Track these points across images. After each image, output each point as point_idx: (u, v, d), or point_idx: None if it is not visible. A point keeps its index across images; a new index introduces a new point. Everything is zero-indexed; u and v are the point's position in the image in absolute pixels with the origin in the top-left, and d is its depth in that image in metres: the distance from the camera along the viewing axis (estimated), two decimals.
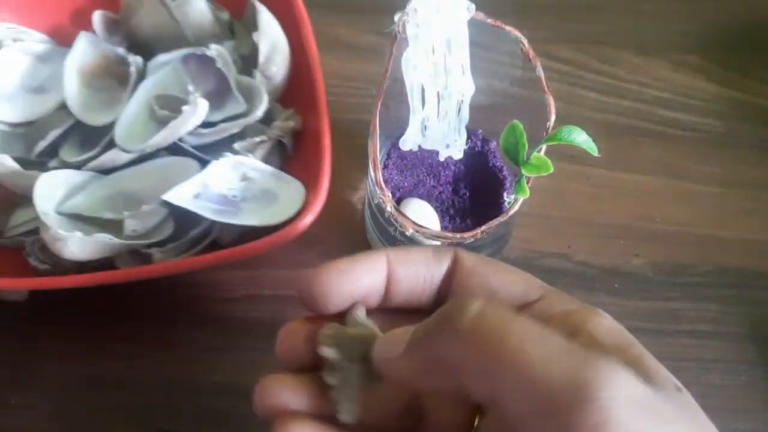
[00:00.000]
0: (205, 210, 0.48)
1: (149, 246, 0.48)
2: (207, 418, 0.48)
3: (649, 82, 0.66)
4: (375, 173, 0.45)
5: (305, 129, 0.54)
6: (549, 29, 0.68)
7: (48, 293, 0.50)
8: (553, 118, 0.46)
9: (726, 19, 0.71)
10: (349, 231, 0.55)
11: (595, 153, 0.44)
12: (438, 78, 0.43)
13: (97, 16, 0.57)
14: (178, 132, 0.50)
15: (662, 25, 0.70)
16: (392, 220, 0.45)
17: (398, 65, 0.44)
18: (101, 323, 0.51)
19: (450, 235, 0.44)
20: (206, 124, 0.51)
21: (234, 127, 0.51)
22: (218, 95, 0.53)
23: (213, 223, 0.49)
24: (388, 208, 0.45)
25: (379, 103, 0.46)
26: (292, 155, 0.55)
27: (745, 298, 0.55)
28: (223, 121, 0.52)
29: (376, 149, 0.46)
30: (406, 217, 0.44)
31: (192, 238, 0.49)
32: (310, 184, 0.50)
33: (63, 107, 0.54)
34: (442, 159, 0.48)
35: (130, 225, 0.47)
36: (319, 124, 0.50)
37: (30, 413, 0.48)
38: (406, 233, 0.44)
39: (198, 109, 0.49)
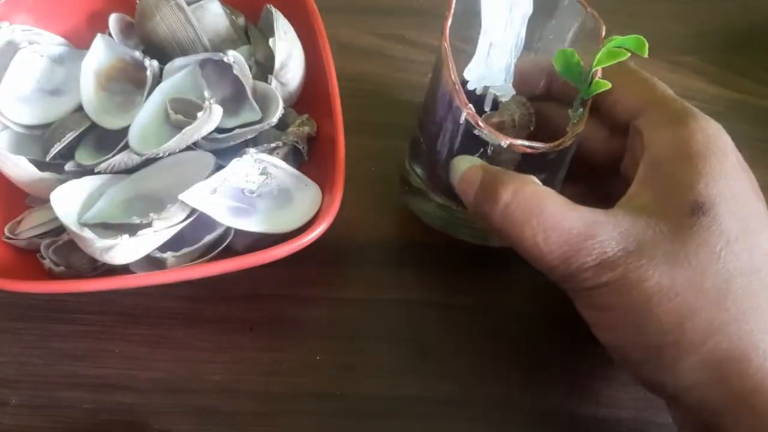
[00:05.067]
0: (220, 209, 0.45)
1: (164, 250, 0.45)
2: (207, 418, 0.46)
3: None
4: (459, 93, 0.41)
5: (320, 135, 0.52)
6: None
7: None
8: (604, 28, 0.42)
9: (724, 21, 0.68)
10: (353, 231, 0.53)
11: (645, 54, 0.39)
12: None
13: (113, 19, 0.54)
14: (191, 137, 0.47)
15: (660, 26, 0.68)
16: (483, 135, 0.41)
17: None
18: (101, 323, 0.49)
19: (541, 145, 0.41)
20: (221, 130, 0.48)
21: (249, 133, 0.49)
22: (234, 101, 0.50)
23: (228, 227, 0.46)
24: (481, 122, 0.41)
25: (448, 23, 0.42)
26: (306, 161, 0.52)
27: None
28: (238, 127, 0.49)
29: (452, 66, 0.41)
30: (498, 132, 0.41)
31: (207, 243, 0.46)
32: (324, 190, 0.48)
33: (79, 110, 0.51)
34: (494, 94, 0.45)
35: (159, 226, 0.44)
36: (335, 130, 0.47)
37: (30, 413, 0.46)
38: (502, 144, 0.41)
39: (213, 116, 0.46)
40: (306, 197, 0.48)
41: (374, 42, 0.63)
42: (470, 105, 0.41)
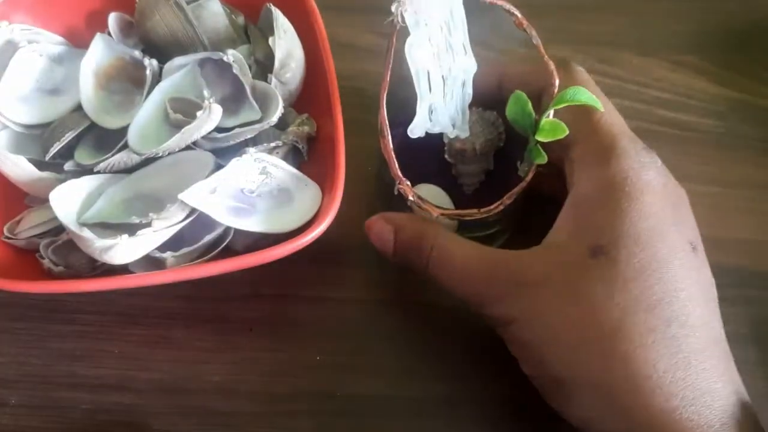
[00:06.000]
0: (220, 208, 0.45)
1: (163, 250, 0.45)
2: (206, 419, 0.45)
3: (648, 83, 0.63)
4: (392, 166, 0.43)
5: (320, 134, 0.52)
6: (549, 30, 0.64)
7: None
8: (557, 82, 0.43)
9: (724, 20, 0.68)
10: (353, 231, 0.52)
11: (601, 108, 0.41)
12: (442, 60, 0.42)
13: (112, 18, 0.54)
14: (191, 137, 0.47)
15: (661, 25, 0.67)
16: (415, 207, 0.44)
17: (399, 57, 0.42)
18: (100, 323, 0.48)
19: (474, 211, 0.43)
20: (220, 129, 0.48)
21: (248, 132, 0.48)
22: (234, 101, 0.50)
23: (228, 227, 0.46)
24: (411, 197, 0.43)
25: (384, 95, 0.43)
26: (306, 160, 0.52)
27: (745, 298, 0.53)
28: (238, 126, 0.48)
29: (389, 144, 0.43)
30: (431, 204, 0.43)
31: (206, 243, 0.46)
32: (324, 189, 0.47)
33: (78, 109, 0.50)
34: (446, 140, 0.48)
35: (159, 226, 0.44)
36: (335, 130, 0.47)
37: (29, 413, 0.45)
38: (433, 216, 0.44)
39: (212, 115, 0.46)
40: (306, 197, 0.47)
41: (374, 41, 0.62)
42: (403, 179, 0.43)
